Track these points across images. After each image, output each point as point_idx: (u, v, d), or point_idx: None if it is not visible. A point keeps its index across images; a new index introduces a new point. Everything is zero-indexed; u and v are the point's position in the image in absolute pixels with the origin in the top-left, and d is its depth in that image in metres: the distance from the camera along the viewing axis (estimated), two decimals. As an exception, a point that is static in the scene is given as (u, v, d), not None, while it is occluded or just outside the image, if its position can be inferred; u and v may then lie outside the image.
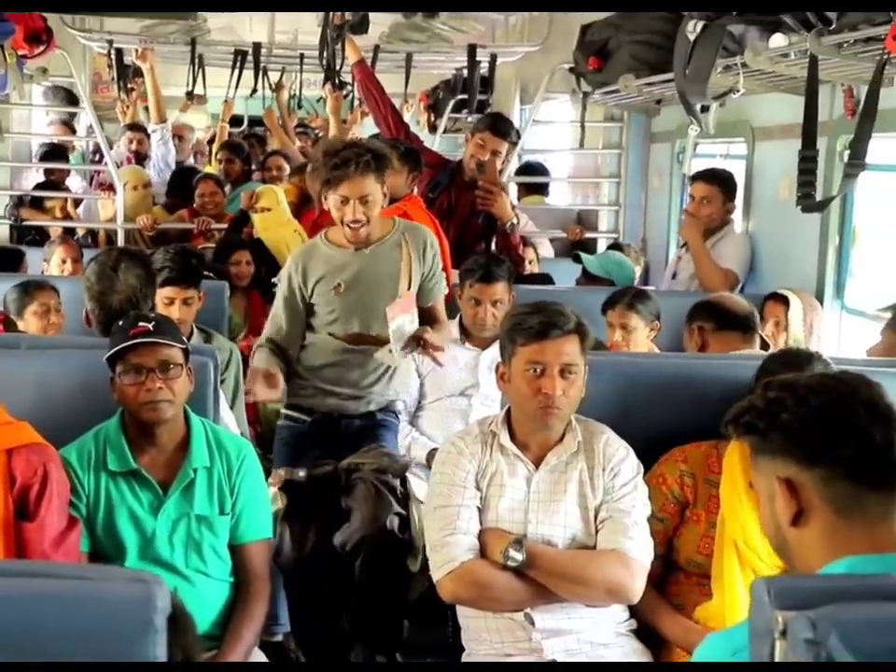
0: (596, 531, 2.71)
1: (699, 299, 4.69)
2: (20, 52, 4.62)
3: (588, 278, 5.20)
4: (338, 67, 6.38)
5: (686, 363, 3.19)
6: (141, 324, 2.78)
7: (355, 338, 3.72)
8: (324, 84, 6.13)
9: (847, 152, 4.05)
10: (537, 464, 2.76)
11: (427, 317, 3.74)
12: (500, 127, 5.20)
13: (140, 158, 7.47)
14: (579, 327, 2.69)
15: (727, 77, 4.17)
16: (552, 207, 7.20)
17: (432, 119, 9.93)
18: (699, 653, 1.64)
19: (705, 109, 4.32)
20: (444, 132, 9.16)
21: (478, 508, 2.73)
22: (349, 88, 6.51)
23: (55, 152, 7.35)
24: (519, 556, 2.59)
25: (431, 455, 4.01)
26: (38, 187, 7.02)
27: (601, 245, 6.74)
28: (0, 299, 4.12)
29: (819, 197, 3.58)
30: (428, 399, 4.28)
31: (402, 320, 3.48)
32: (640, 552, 2.65)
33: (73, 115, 8.39)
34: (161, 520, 2.78)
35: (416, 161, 4.84)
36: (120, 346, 2.75)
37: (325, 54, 6.52)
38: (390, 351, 3.52)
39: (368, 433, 3.80)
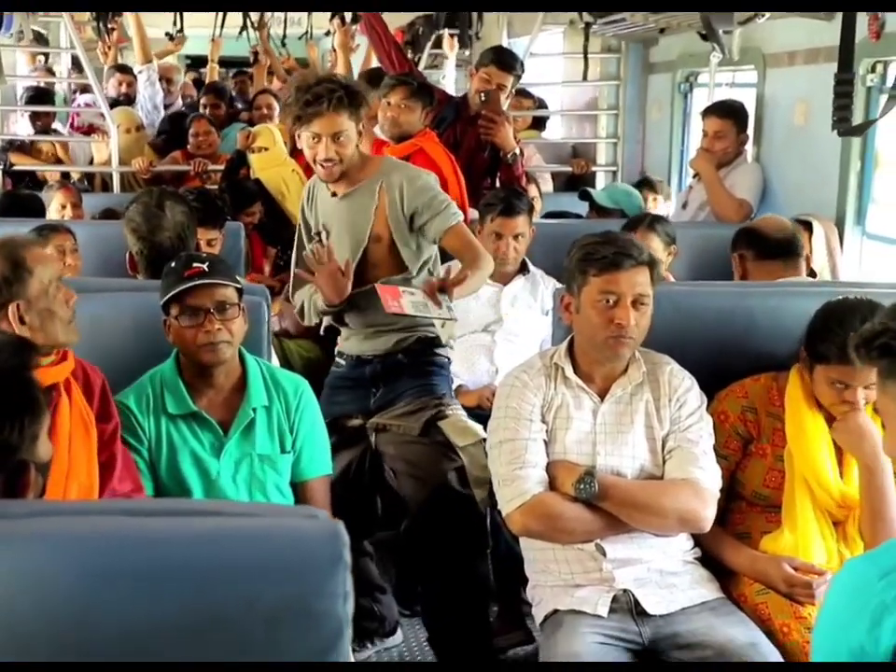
0: (664, 461, 2.68)
1: (708, 229, 4.69)
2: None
3: (597, 212, 5.16)
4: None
5: (738, 292, 3.15)
6: (196, 265, 2.72)
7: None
8: (331, 18, 5.99)
9: (872, 75, 4.05)
10: (602, 396, 2.72)
11: (454, 253, 3.41)
12: (506, 60, 5.10)
13: (129, 101, 7.24)
14: (650, 258, 2.64)
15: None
16: (549, 141, 7.11)
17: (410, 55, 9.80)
18: (838, 581, 1.61)
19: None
20: (425, 68, 9.01)
21: (544, 441, 2.69)
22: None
23: (41, 97, 7.13)
24: (592, 487, 2.56)
25: (457, 391, 3.96)
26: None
27: (599, 179, 6.68)
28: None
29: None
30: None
31: (405, 304, 3.05)
32: (711, 480, 2.63)
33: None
34: (223, 460, 2.75)
35: (429, 96, 4.73)
36: (179, 289, 2.68)
37: None
38: (443, 326, 3.37)
39: (400, 373, 3.49)
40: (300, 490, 2.85)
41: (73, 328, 2.47)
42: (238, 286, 2.78)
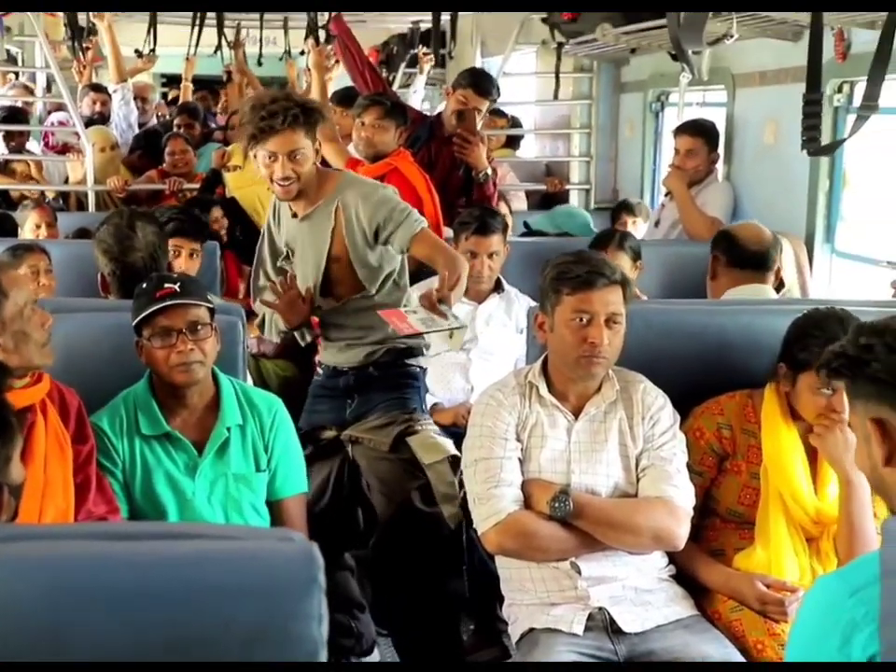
0: (638, 479, 2.68)
1: (680, 247, 4.72)
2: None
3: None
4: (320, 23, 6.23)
5: (711, 310, 3.16)
6: (167, 285, 2.71)
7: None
8: (306, 38, 5.99)
9: (839, 95, 4.10)
10: (576, 414, 2.72)
11: (423, 262, 3.42)
12: (483, 85, 5.11)
13: (103, 119, 7.22)
14: (623, 277, 2.65)
15: (717, 22, 4.15)
16: (523, 160, 7.14)
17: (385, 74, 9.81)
18: (810, 598, 1.61)
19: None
20: (399, 87, 9.03)
21: (519, 459, 2.69)
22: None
23: (14, 116, 7.08)
24: (567, 506, 2.56)
25: (432, 409, 3.96)
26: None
27: (573, 197, 6.71)
28: (-9, 264, 3.98)
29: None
30: (427, 354, 4.21)
31: (414, 323, 2.98)
32: (684, 498, 2.64)
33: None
34: (198, 481, 2.73)
35: (403, 116, 4.74)
36: (150, 310, 2.67)
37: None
38: (451, 336, 3.45)
39: (371, 386, 3.49)
40: (275, 509, 2.84)
41: (48, 350, 2.45)
42: (210, 305, 2.77)
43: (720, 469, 2.82)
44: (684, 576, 2.75)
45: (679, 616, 2.61)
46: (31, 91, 7.96)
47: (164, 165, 6.44)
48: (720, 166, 5.07)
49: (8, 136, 6.86)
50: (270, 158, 3.19)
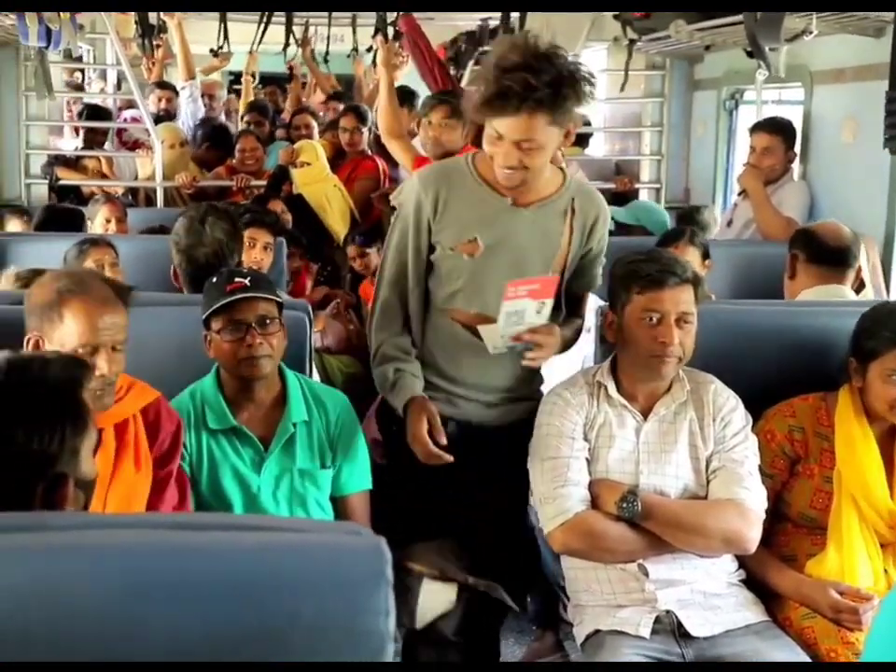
0: (708, 481, 2.66)
1: (754, 247, 4.66)
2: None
3: (620, 228, 5.13)
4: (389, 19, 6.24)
5: (785, 311, 3.13)
6: (237, 279, 2.75)
7: (473, 319, 2.82)
8: (374, 35, 6.02)
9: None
10: (645, 414, 2.70)
11: (568, 308, 2.92)
12: None
13: (169, 116, 7.32)
14: (694, 276, 2.63)
15: (795, 18, 4.09)
16: (592, 158, 7.10)
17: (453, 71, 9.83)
18: (887, 604, 1.58)
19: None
20: (468, 84, 9.03)
21: (587, 459, 2.68)
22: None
23: (98, 115, 7.21)
24: (635, 507, 2.55)
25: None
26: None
27: (643, 196, 6.66)
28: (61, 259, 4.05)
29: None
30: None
31: (528, 306, 2.68)
32: (756, 501, 2.61)
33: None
34: (264, 476, 2.76)
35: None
36: (221, 303, 2.70)
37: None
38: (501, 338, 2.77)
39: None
40: (340, 505, 2.87)
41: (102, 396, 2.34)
42: (279, 300, 2.80)
43: (791, 473, 2.79)
44: (754, 581, 2.72)
45: (749, 622, 2.59)
46: (82, 89, 8.10)
47: (233, 162, 6.51)
48: (796, 165, 4.99)
49: (91, 134, 6.97)
50: (496, 137, 2.65)
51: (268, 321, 2.74)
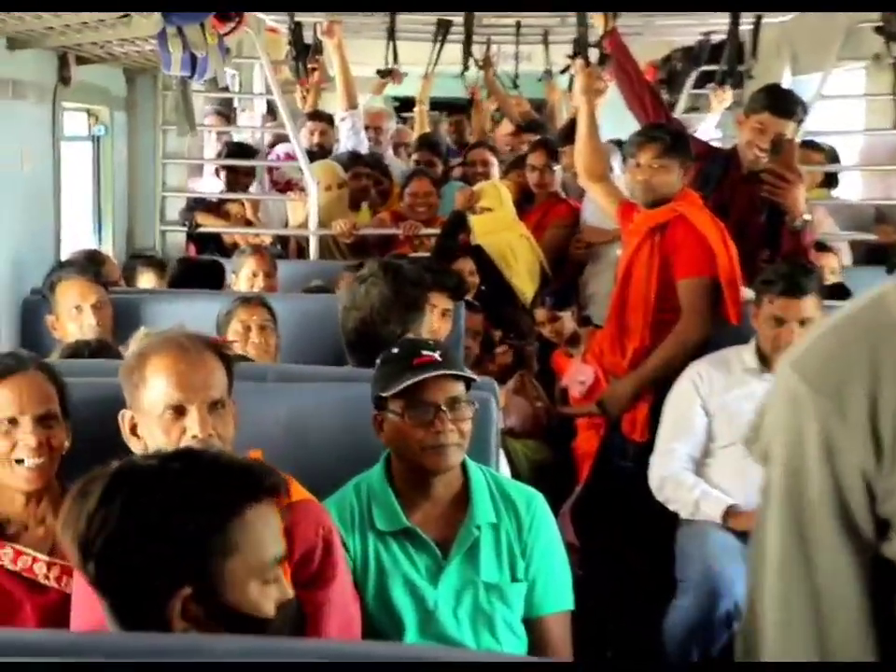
0: None
1: None
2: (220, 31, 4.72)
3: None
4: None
5: None
6: (425, 353, 2.80)
7: None
8: (573, 57, 6.10)
9: None
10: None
11: None
12: (782, 105, 5.04)
13: (324, 152, 7.44)
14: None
15: None
16: (845, 202, 6.96)
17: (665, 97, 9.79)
18: None
19: None
20: (684, 111, 9.01)
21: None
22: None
23: (245, 154, 7.37)
24: None
25: (727, 512, 3.93)
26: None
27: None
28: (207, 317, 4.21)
29: None
30: (719, 443, 4.18)
31: None
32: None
33: (229, 106, 8.60)
34: (442, 588, 2.79)
35: (687, 151, 4.75)
36: (410, 381, 2.76)
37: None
38: None
39: None
40: (534, 627, 2.86)
41: None
42: (472, 378, 2.86)
43: None
44: None
45: None
46: (227, 119, 8.34)
47: (401, 206, 6.64)
48: None
49: (232, 174, 7.13)
50: None
51: (460, 403, 2.79)
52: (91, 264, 4.78)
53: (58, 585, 2.69)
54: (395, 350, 2.88)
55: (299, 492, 2.55)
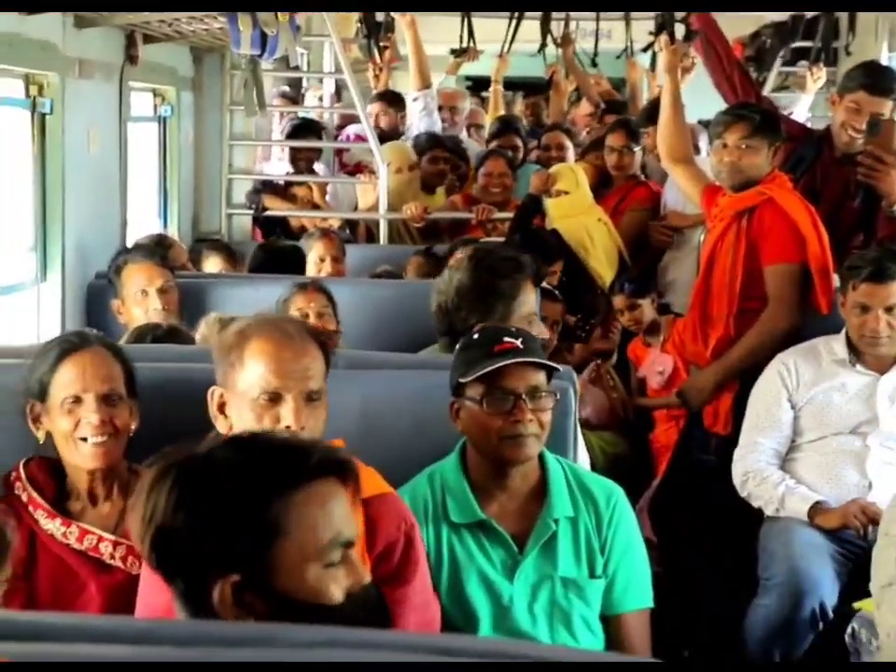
0: None
1: None
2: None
3: None
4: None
5: None
6: (507, 339, 2.81)
7: None
8: (657, 33, 6.06)
9: None
10: None
11: None
12: (880, 82, 5.00)
13: (395, 134, 7.39)
14: None
15: None
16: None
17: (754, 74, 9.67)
18: None
19: None
20: (773, 90, 8.92)
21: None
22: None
23: (309, 130, 7.35)
24: None
25: (814, 509, 3.91)
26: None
27: None
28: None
29: None
30: (807, 438, 4.16)
31: None
32: None
33: (297, 87, 8.63)
34: (518, 583, 2.80)
35: (777, 131, 4.71)
36: (490, 367, 2.77)
37: None
38: None
39: None
40: (612, 625, 2.87)
41: None
42: (555, 367, 2.86)
43: None
44: None
45: None
46: (293, 101, 8.36)
47: (474, 189, 6.65)
48: None
49: (296, 153, 7.16)
50: None
51: (540, 393, 2.80)
52: (157, 248, 4.83)
53: (123, 565, 2.76)
54: (475, 335, 2.90)
55: (380, 484, 2.58)
